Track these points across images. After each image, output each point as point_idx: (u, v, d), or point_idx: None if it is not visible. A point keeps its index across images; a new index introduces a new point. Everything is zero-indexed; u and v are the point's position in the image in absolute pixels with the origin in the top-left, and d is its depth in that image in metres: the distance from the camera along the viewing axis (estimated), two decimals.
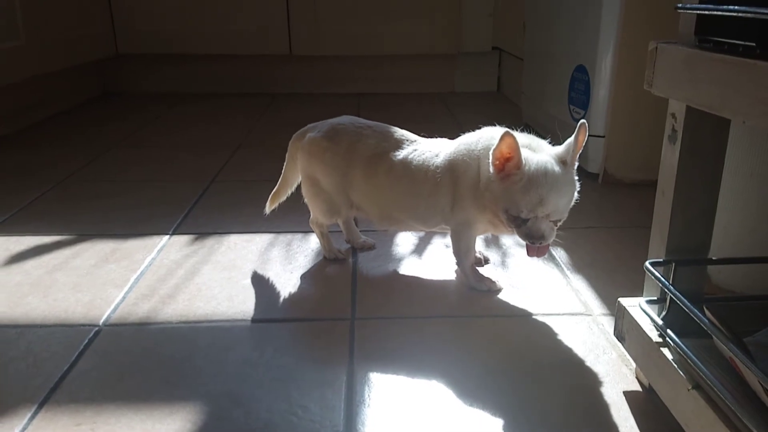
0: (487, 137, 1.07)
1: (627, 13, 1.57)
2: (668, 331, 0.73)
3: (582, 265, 1.23)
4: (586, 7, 1.70)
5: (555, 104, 1.94)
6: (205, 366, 0.92)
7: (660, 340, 0.77)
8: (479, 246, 1.28)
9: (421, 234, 1.38)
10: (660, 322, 0.75)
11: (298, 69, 3.00)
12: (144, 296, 1.11)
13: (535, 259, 1.23)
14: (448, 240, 1.32)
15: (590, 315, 1.05)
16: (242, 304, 1.09)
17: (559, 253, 1.28)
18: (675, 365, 0.72)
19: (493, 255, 1.28)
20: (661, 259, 0.79)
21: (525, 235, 0.99)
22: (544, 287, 1.15)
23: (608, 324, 1.02)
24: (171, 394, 0.85)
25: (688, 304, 0.68)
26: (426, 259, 1.27)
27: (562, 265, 1.23)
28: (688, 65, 0.67)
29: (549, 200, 0.96)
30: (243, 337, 1.00)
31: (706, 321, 0.65)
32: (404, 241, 1.36)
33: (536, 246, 1.00)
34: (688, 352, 0.69)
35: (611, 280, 1.17)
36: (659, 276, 0.75)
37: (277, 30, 2.89)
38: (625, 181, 1.68)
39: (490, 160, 0.99)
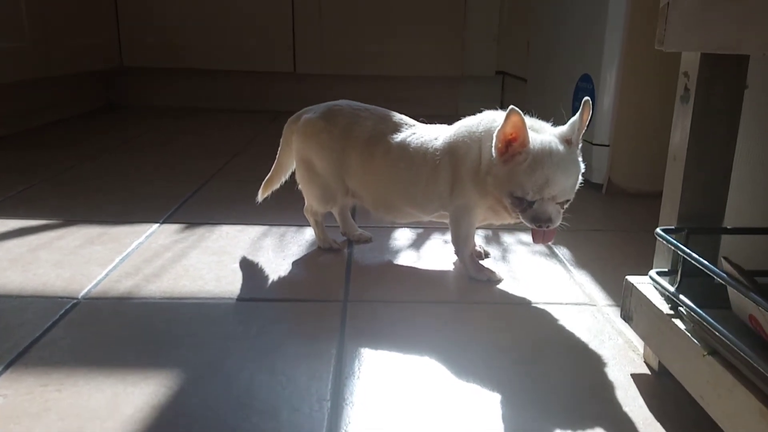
0: (488, 120, 1.04)
1: (632, 22, 1.56)
2: (681, 297, 0.68)
3: (586, 261, 1.19)
4: (592, 17, 1.70)
5: (559, 116, 1.92)
6: (186, 337, 0.86)
7: (671, 312, 0.72)
8: (479, 241, 1.24)
9: (420, 230, 1.34)
10: (672, 289, 0.70)
11: (302, 87, 3.00)
12: (128, 274, 1.06)
13: (540, 246, 1.20)
14: (448, 236, 1.28)
15: (594, 305, 1.00)
16: (230, 284, 1.04)
17: (562, 251, 1.23)
18: (689, 334, 0.67)
19: (493, 250, 1.23)
20: (673, 227, 0.74)
21: (531, 219, 0.94)
22: (546, 279, 1.10)
23: (614, 314, 0.97)
24: (147, 361, 0.80)
25: (703, 261, 0.64)
26: (424, 252, 1.22)
27: (565, 261, 1.18)
28: (703, 7, 0.64)
29: (555, 181, 0.92)
30: (228, 313, 0.94)
31: (724, 275, 0.60)
32: (402, 235, 1.31)
33: (543, 230, 0.95)
34: (704, 314, 0.64)
35: (616, 276, 1.11)
36: (671, 239, 0.71)
37: (282, 48, 2.91)
38: (629, 191, 1.64)
39: (494, 143, 0.95)
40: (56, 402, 0.71)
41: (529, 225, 0.96)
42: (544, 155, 0.92)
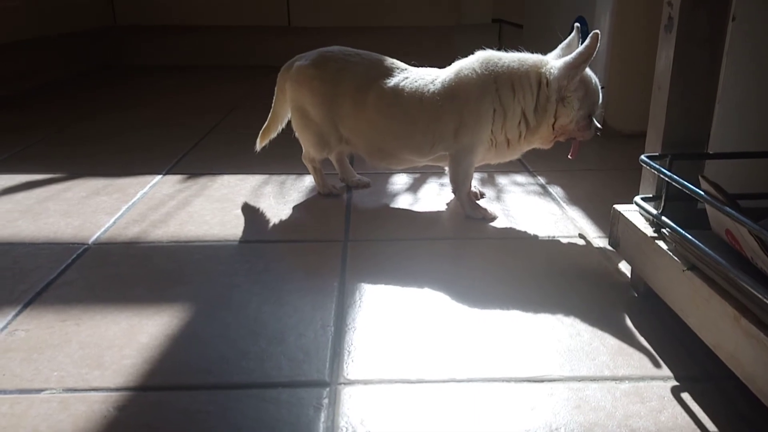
0: (502, 61, 1.07)
1: None
2: (664, 218, 0.72)
3: (578, 199, 1.22)
4: None
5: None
6: (195, 275, 0.90)
7: (655, 234, 0.76)
8: (475, 182, 1.27)
9: (417, 174, 1.37)
10: (655, 212, 0.74)
11: (297, 40, 2.98)
12: (134, 221, 1.10)
13: (534, 185, 1.24)
14: (444, 180, 1.32)
15: (585, 237, 1.04)
16: (234, 228, 1.08)
17: (556, 190, 1.27)
18: (670, 253, 0.71)
19: (488, 191, 1.26)
20: (657, 153, 0.77)
21: (594, 128, 1.08)
22: (539, 216, 1.14)
23: (604, 244, 1.01)
24: (159, 296, 0.84)
25: (683, 181, 0.67)
26: (421, 195, 1.26)
27: (558, 199, 1.22)
28: None
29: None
30: (234, 254, 0.98)
31: (701, 192, 0.64)
32: (399, 180, 1.34)
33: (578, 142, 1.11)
34: (683, 232, 0.67)
35: (607, 211, 1.13)
36: (655, 165, 0.74)
37: (276, 1, 2.88)
38: (624, 132, 1.66)
39: (572, 66, 1.02)
40: (76, 334, 0.75)
41: (585, 138, 1.09)
42: (591, 73, 1.05)
